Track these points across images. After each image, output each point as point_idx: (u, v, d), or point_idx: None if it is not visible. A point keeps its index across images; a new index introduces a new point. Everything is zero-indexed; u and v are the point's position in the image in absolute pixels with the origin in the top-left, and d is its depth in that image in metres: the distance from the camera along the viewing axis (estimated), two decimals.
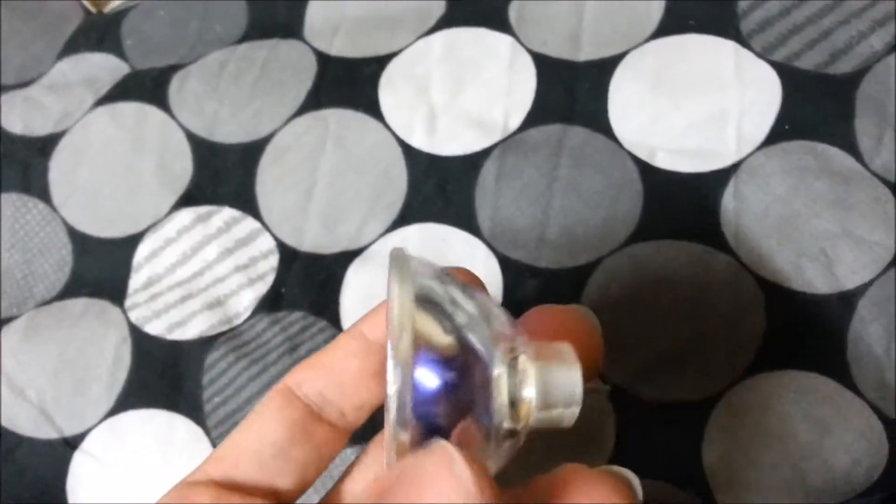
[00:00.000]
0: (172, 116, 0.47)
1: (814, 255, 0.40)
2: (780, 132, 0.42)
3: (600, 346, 0.26)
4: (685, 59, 0.44)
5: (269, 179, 0.46)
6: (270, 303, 0.44)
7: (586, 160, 0.43)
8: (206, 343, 0.43)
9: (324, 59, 0.48)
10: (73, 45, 0.53)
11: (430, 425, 0.22)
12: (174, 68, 0.49)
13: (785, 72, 0.43)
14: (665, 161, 0.42)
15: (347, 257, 0.44)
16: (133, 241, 0.46)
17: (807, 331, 0.39)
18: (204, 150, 0.47)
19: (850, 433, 0.38)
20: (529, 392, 0.23)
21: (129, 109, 0.48)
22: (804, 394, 0.39)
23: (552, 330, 0.25)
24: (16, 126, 0.49)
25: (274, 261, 0.44)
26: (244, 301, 0.44)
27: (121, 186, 0.47)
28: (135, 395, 0.43)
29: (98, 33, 0.53)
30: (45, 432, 0.43)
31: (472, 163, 0.44)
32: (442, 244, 0.43)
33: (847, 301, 0.39)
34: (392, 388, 0.21)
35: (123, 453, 0.42)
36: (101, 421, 0.43)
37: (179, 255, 0.45)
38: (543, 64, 0.45)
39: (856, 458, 0.37)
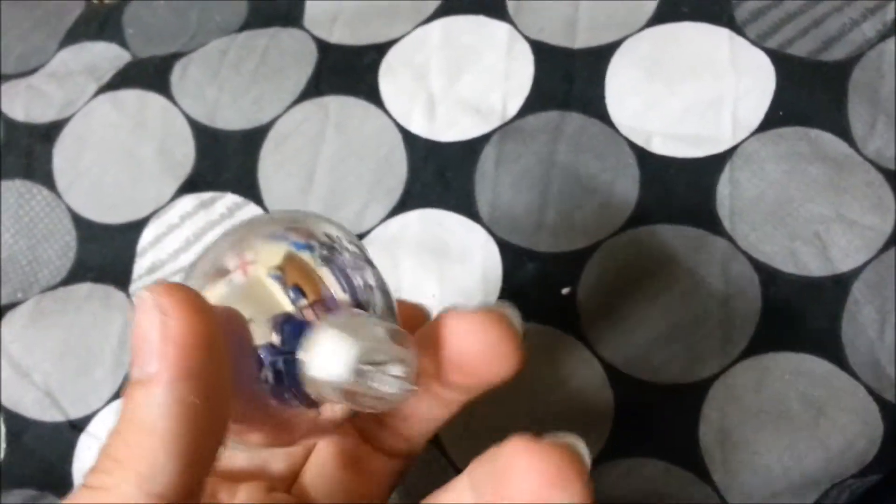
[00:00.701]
0: (174, 103, 0.48)
1: (808, 238, 0.40)
2: (774, 118, 0.42)
3: (516, 351, 0.25)
4: (681, 46, 0.44)
5: (270, 165, 0.46)
6: None
7: (584, 146, 0.44)
8: None
9: (324, 47, 0.48)
10: (74, 35, 0.53)
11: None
12: (176, 56, 0.49)
13: (779, 59, 0.43)
14: (661, 146, 0.43)
15: None
16: (137, 226, 0.46)
17: (801, 313, 0.40)
18: (206, 137, 0.47)
19: (845, 414, 0.38)
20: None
21: (131, 96, 0.48)
22: (799, 375, 0.39)
23: (458, 334, 0.25)
24: (18, 113, 0.49)
25: None
26: None
27: (124, 173, 0.47)
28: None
29: (99, 22, 0.53)
30: (51, 415, 0.43)
31: (471, 148, 0.44)
32: (441, 229, 0.44)
33: (841, 284, 0.40)
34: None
35: None
36: (106, 404, 0.43)
37: (183, 241, 0.45)
38: (541, 51, 0.46)
39: (850, 438, 0.38)
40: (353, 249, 0.26)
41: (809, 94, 0.42)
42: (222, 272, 0.24)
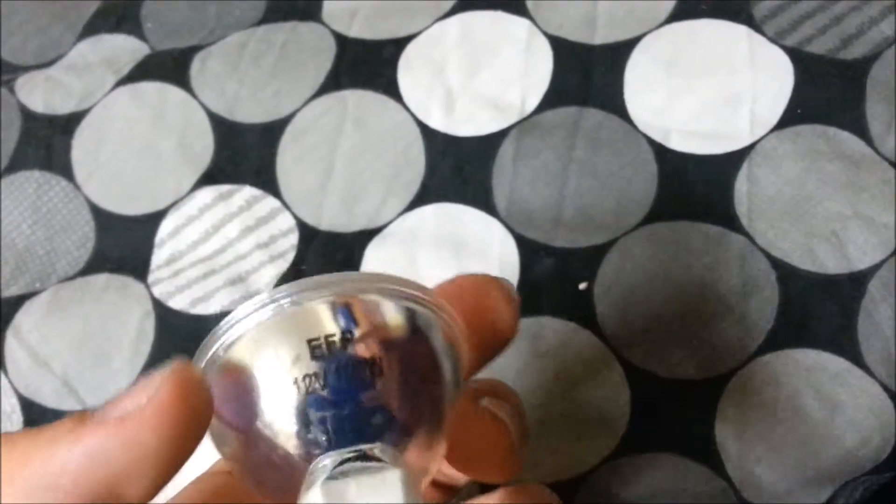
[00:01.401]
0: (194, 96, 0.48)
1: (825, 236, 0.40)
2: (792, 116, 0.42)
3: (515, 313, 0.26)
4: (699, 43, 0.45)
5: (288, 159, 0.46)
6: (291, 280, 0.44)
7: (602, 142, 0.44)
8: None
9: (342, 41, 0.48)
10: (93, 28, 0.54)
11: None
12: (195, 49, 0.49)
13: (797, 56, 0.43)
14: (679, 143, 0.43)
15: (366, 236, 0.45)
16: (155, 218, 0.46)
17: (818, 310, 0.40)
18: (224, 130, 0.47)
19: (860, 411, 0.38)
20: None
21: (151, 89, 0.49)
22: (815, 372, 0.39)
23: (460, 293, 0.25)
24: (37, 105, 0.49)
25: (294, 239, 0.45)
26: (265, 278, 0.44)
27: (143, 165, 0.47)
28: (157, 367, 0.43)
29: (117, 17, 0.53)
30: (69, 404, 0.44)
31: (490, 143, 0.45)
32: (458, 224, 0.44)
33: (858, 281, 0.40)
34: None
35: None
36: None
37: (202, 233, 0.46)
38: (560, 47, 0.46)
39: (865, 435, 0.38)
40: None
41: (828, 92, 0.43)
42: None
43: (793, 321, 0.40)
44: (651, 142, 0.43)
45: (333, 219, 0.45)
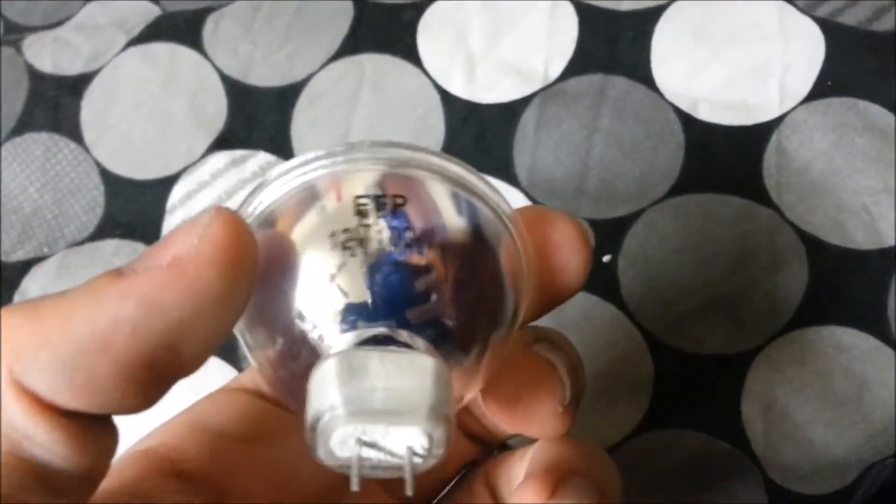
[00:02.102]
0: (207, 58, 0.47)
1: (855, 210, 0.40)
2: (822, 88, 0.41)
3: (586, 259, 0.23)
4: (729, 11, 0.43)
5: (304, 124, 0.45)
6: None
7: (627, 111, 0.43)
8: None
9: (361, 3, 0.47)
10: None
11: None
12: (208, 10, 0.48)
13: (828, 27, 0.42)
14: (707, 113, 0.42)
15: None
16: (167, 183, 0.45)
17: (847, 286, 0.39)
18: (238, 93, 0.46)
19: (889, 390, 0.38)
20: None
21: (163, 50, 0.47)
22: (843, 350, 0.39)
23: (539, 224, 0.23)
24: (45, 65, 0.48)
25: None
26: None
27: (154, 128, 0.46)
28: None
29: None
30: None
31: (512, 111, 0.43)
32: None
33: (888, 257, 0.39)
34: None
35: None
36: None
37: (214, 199, 0.44)
38: (586, 12, 0.44)
39: (894, 415, 0.37)
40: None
41: (858, 65, 0.42)
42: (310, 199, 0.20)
43: (821, 297, 0.39)
44: (678, 111, 0.42)
45: None
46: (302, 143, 0.45)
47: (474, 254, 0.20)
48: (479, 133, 0.43)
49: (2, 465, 0.17)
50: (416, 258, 0.19)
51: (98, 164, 0.46)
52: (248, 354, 0.22)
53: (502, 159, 0.43)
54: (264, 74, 0.46)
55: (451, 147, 0.44)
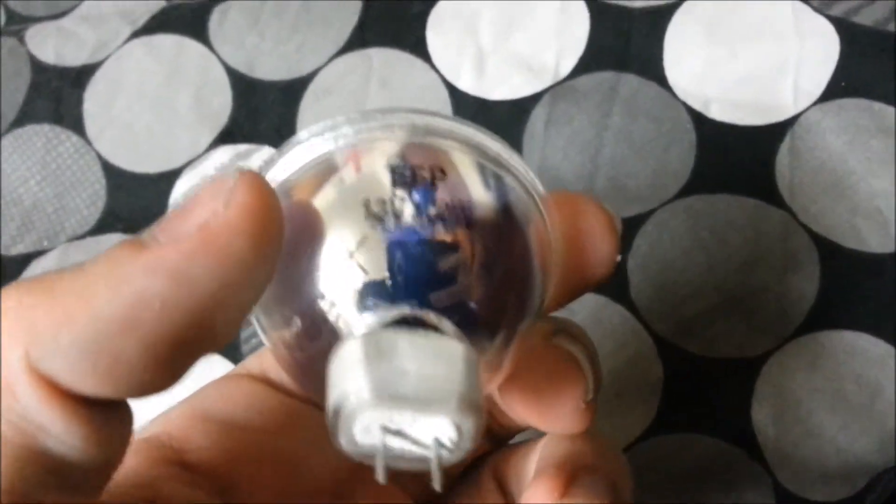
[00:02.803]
0: (212, 50, 0.46)
1: (869, 213, 0.39)
2: (836, 89, 0.41)
3: (613, 247, 0.22)
4: (743, 9, 0.43)
5: (310, 119, 0.44)
6: None
7: (639, 109, 0.42)
8: None
9: None
10: None
11: None
12: (214, 1, 0.47)
13: (843, 27, 0.42)
14: (720, 112, 0.41)
15: None
16: (170, 176, 0.44)
17: (860, 290, 0.39)
18: (243, 86, 0.45)
19: None
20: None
21: (167, 42, 0.47)
22: (855, 354, 0.38)
23: (569, 209, 0.22)
24: (48, 56, 0.47)
25: None
26: None
27: (157, 121, 0.45)
28: None
29: None
30: None
31: (521, 108, 0.43)
32: None
33: None
34: None
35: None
36: None
37: None
38: (598, 8, 0.44)
39: None
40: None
41: (873, 65, 0.41)
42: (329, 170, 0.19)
43: (833, 301, 0.39)
44: (690, 110, 0.42)
45: None
46: None
47: (504, 233, 0.19)
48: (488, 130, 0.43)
49: (16, 459, 0.16)
50: (442, 235, 0.18)
51: (100, 156, 0.45)
52: (262, 336, 0.20)
53: None
54: (271, 68, 0.46)
55: None
